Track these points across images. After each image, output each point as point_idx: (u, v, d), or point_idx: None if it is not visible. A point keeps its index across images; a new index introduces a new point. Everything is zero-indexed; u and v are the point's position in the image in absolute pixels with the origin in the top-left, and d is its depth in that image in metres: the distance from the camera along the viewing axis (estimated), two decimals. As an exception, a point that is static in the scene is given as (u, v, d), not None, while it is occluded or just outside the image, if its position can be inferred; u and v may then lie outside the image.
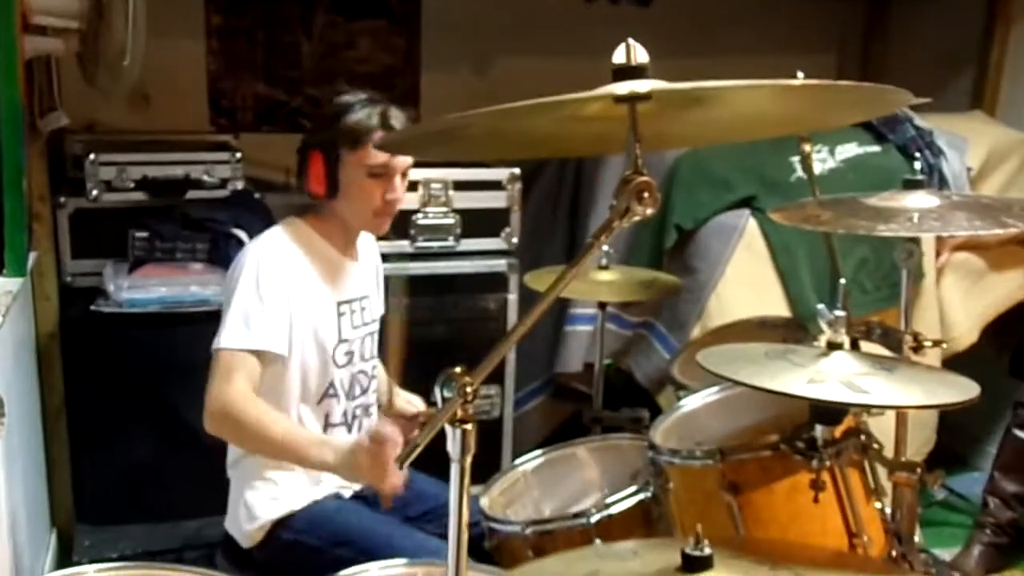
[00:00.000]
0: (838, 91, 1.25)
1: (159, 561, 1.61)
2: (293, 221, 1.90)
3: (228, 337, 1.74)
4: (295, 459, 1.76)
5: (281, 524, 1.83)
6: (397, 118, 1.83)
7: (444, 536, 1.04)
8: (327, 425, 1.91)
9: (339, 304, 1.91)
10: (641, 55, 1.07)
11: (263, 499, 1.84)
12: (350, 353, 1.93)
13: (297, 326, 1.81)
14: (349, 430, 1.94)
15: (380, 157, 1.80)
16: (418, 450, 1.02)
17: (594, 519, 1.78)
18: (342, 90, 1.88)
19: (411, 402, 2.04)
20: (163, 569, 1.53)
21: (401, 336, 1.98)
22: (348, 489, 1.92)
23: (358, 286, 1.96)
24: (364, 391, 1.98)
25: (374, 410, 2.03)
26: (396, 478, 1.63)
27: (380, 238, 2.05)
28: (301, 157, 1.87)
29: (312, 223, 1.90)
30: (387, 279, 2.13)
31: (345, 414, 1.94)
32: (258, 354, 1.75)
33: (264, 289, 1.77)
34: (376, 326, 2.03)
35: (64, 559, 2.52)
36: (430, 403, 1.92)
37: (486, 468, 2.02)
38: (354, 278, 1.96)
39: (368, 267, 2.03)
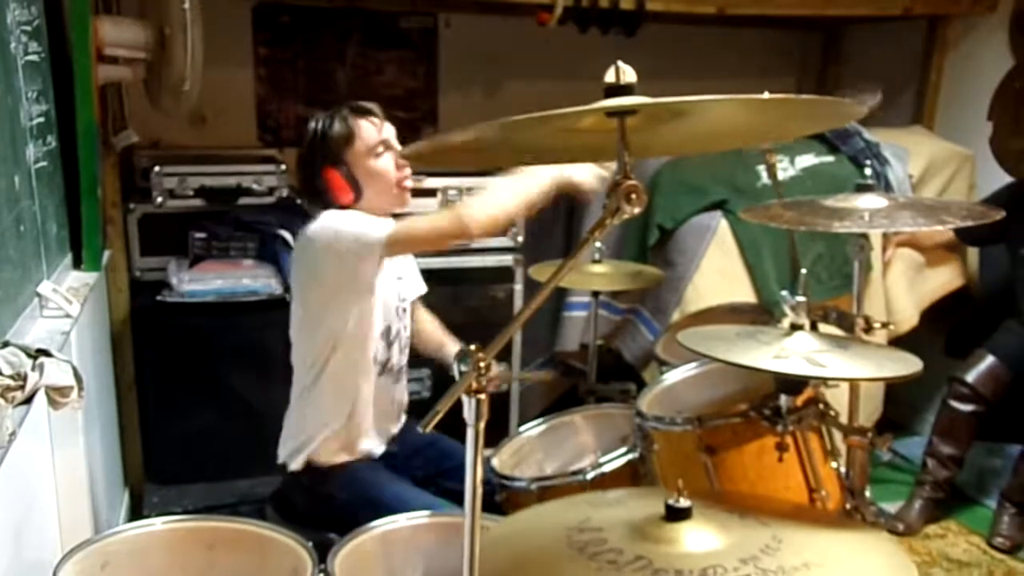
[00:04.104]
0: (799, 104, 1.22)
1: (217, 514, 1.60)
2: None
3: (373, 233, 1.70)
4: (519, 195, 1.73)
5: (325, 476, 1.82)
6: (362, 106, 1.83)
7: (462, 488, 1.03)
8: (384, 367, 1.87)
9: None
10: (629, 75, 1.06)
11: (315, 425, 1.82)
12: (404, 311, 1.93)
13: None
14: (396, 381, 1.93)
15: (374, 135, 1.79)
16: (439, 416, 1.01)
17: (589, 476, 1.77)
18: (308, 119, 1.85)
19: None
20: (221, 521, 1.53)
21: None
22: (380, 448, 1.92)
23: (397, 265, 1.94)
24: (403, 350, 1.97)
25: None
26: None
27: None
28: (316, 184, 1.81)
29: None
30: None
31: (400, 364, 1.93)
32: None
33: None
34: (408, 303, 2.00)
35: (135, 514, 2.52)
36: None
37: (496, 433, 2.02)
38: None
39: None
